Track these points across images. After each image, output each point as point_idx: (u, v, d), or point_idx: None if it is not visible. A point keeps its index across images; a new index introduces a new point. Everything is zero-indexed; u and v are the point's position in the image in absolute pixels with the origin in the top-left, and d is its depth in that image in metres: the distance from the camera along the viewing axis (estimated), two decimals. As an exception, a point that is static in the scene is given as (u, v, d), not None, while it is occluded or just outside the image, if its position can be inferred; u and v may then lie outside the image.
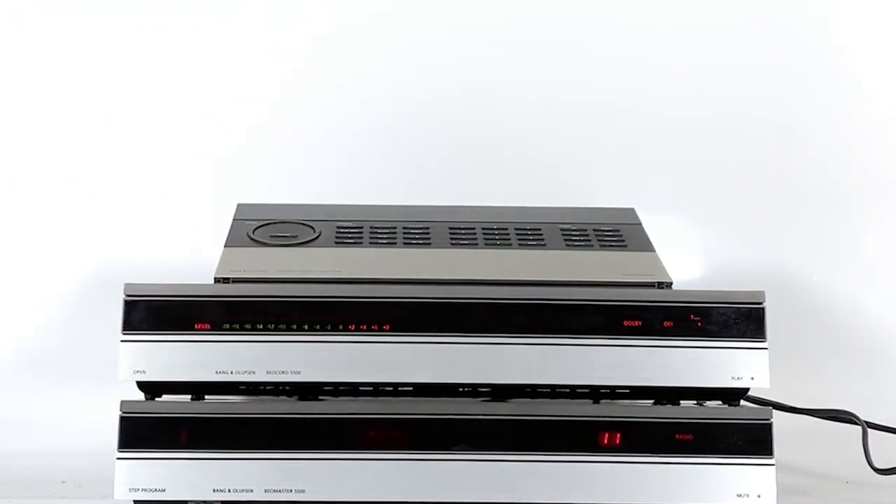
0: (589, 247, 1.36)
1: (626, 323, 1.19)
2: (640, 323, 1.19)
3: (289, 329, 1.17)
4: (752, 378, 1.18)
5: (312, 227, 1.38)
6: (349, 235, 1.37)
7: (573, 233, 1.39)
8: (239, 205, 1.45)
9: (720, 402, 1.21)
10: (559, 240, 1.37)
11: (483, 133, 1.76)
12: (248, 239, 1.35)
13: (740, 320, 1.19)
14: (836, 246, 1.76)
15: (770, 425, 1.18)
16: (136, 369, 1.17)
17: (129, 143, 1.74)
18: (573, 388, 1.20)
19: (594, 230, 1.40)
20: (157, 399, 1.19)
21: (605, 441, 1.17)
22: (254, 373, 1.17)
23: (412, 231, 1.39)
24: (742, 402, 1.22)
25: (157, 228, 1.71)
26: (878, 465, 1.33)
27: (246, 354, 1.17)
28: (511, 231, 1.39)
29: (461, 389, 1.21)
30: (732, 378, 1.18)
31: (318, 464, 1.16)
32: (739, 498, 1.16)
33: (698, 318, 1.19)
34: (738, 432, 1.18)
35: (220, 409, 1.17)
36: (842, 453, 1.44)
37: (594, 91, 1.77)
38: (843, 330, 1.73)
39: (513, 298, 1.19)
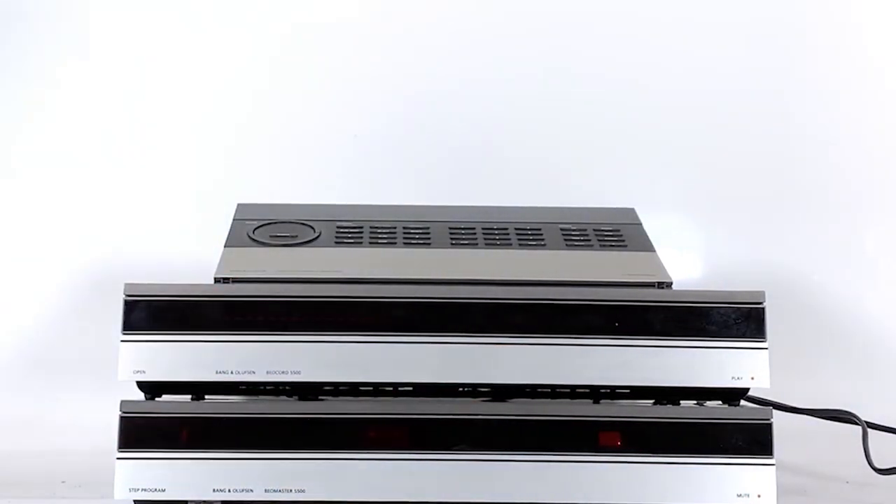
0: (589, 247, 1.36)
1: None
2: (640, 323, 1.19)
3: (289, 329, 1.17)
4: (752, 378, 1.18)
5: (312, 227, 1.38)
6: (349, 235, 1.37)
7: (573, 233, 1.39)
8: (239, 205, 1.45)
9: (720, 402, 1.21)
10: (559, 240, 1.37)
11: (483, 133, 1.76)
12: (248, 239, 1.35)
13: (740, 320, 1.19)
14: (836, 246, 1.76)
15: (770, 425, 1.18)
16: (136, 369, 1.16)
17: (129, 143, 1.74)
18: (573, 388, 1.20)
19: (594, 230, 1.40)
20: (157, 399, 1.18)
21: (605, 441, 1.17)
22: (254, 373, 1.17)
23: (412, 231, 1.39)
24: (742, 402, 1.22)
25: (156, 228, 1.71)
26: (878, 465, 1.33)
27: (246, 354, 1.17)
28: (511, 231, 1.39)
29: (461, 389, 1.21)
30: (732, 378, 1.18)
31: (318, 464, 1.16)
32: (739, 498, 1.16)
33: (698, 318, 1.19)
34: (738, 432, 1.17)
35: (220, 409, 1.17)
36: (842, 453, 1.44)
37: (594, 90, 1.77)
38: (843, 330, 1.73)
39: (513, 298, 1.19)
